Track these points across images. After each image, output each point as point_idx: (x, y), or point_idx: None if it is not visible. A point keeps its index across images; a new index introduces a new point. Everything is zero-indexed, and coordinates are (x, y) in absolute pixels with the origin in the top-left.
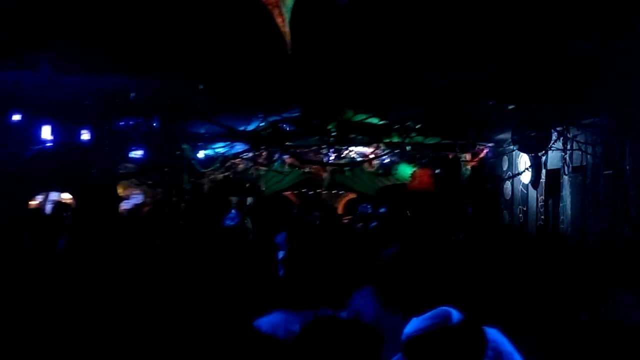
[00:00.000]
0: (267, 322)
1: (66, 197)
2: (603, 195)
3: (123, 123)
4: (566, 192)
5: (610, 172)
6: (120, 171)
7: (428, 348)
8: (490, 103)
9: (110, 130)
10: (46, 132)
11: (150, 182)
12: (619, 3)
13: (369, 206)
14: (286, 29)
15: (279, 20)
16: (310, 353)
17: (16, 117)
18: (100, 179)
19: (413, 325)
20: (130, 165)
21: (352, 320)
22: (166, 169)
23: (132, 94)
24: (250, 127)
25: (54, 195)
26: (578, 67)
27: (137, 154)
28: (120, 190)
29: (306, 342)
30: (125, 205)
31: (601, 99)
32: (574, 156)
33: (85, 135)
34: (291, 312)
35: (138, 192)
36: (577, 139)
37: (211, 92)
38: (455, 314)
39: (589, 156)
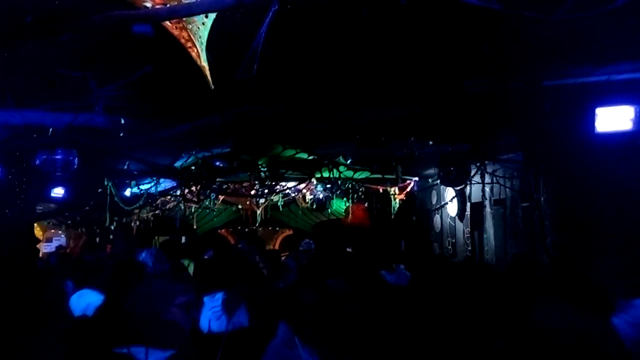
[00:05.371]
0: None
1: None
2: (522, 226)
3: (40, 160)
4: (489, 224)
5: (527, 204)
6: (38, 211)
7: None
8: (411, 139)
9: (25, 167)
10: None
11: (69, 222)
12: (513, 51)
13: (311, 242)
14: (203, 63)
15: (194, 54)
16: None
17: None
18: (14, 219)
19: None
20: (51, 205)
21: None
22: (87, 208)
23: (50, 129)
24: (178, 163)
25: None
26: (483, 105)
27: (57, 193)
28: (39, 232)
29: None
30: (46, 249)
31: (512, 136)
32: (495, 189)
33: None
34: None
35: (60, 233)
36: (497, 173)
37: (134, 127)
38: None
39: (507, 189)
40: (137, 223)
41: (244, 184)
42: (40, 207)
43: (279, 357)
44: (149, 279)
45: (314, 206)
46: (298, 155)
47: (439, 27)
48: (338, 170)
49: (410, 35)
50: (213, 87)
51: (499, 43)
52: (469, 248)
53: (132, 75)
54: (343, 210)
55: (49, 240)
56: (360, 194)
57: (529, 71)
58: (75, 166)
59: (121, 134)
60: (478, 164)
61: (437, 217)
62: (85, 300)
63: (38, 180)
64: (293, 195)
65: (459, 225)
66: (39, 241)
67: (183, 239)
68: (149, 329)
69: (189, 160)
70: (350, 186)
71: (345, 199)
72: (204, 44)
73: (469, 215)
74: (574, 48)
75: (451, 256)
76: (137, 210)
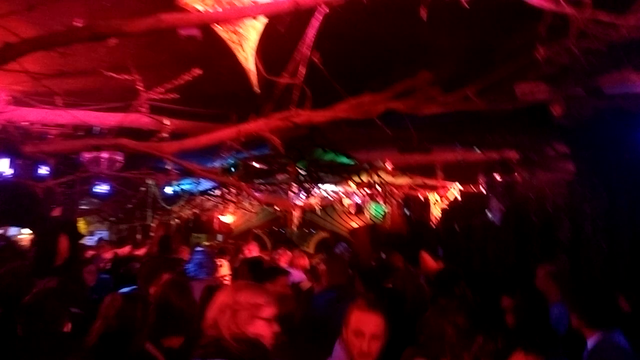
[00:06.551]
0: None
1: (25, 232)
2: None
3: (85, 157)
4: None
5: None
6: (82, 207)
7: None
8: (456, 145)
9: (72, 164)
10: (3, 165)
11: (113, 219)
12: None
13: (346, 245)
14: (250, 66)
15: (241, 57)
16: None
17: None
18: (60, 215)
19: None
20: (94, 200)
21: None
22: (130, 206)
23: (96, 128)
24: (217, 164)
25: (13, 231)
26: (535, 111)
27: (102, 189)
28: (82, 226)
29: None
30: (88, 242)
31: (564, 144)
32: None
33: (44, 170)
34: None
35: (102, 228)
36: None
37: (178, 129)
38: None
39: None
40: (177, 221)
41: (282, 186)
42: (85, 203)
43: None
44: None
45: (352, 210)
46: (337, 159)
47: (488, 26)
48: (377, 174)
49: (458, 33)
50: (259, 90)
51: (554, 45)
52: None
53: (179, 77)
54: (381, 215)
55: (92, 234)
56: (399, 199)
57: (588, 78)
58: (120, 165)
59: (165, 135)
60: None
61: (480, 225)
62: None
63: (83, 177)
64: (331, 198)
65: None
66: (83, 236)
67: (219, 238)
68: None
69: (228, 162)
70: (389, 191)
71: (384, 203)
72: (253, 47)
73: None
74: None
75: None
76: (177, 209)
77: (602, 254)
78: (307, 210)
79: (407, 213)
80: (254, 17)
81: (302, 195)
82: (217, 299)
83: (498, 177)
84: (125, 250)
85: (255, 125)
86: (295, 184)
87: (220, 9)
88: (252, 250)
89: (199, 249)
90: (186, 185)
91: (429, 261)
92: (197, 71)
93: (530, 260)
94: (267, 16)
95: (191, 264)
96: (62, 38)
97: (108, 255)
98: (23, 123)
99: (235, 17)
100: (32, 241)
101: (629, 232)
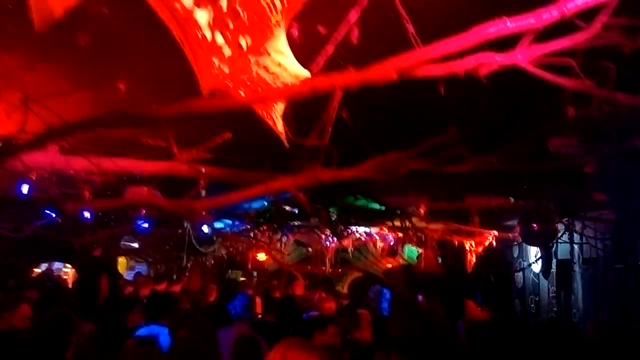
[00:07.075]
0: None
1: (68, 267)
2: (615, 290)
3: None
4: (577, 284)
5: (621, 266)
6: (123, 247)
7: None
8: (490, 194)
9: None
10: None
11: (150, 260)
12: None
13: (382, 289)
14: (279, 130)
15: (270, 123)
16: None
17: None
18: (102, 252)
19: None
20: (133, 244)
21: None
22: (167, 247)
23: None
24: (254, 206)
25: (57, 265)
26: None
27: (143, 225)
28: (123, 263)
29: None
30: (128, 276)
31: (601, 192)
32: (584, 247)
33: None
34: None
35: (141, 264)
36: (586, 231)
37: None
38: None
39: (598, 249)
40: (212, 262)
41: (315, 229)
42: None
43: None
44: None
45: (385, 252)
46: (369, 205)
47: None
48: (410, 221)
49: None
50: (287, 146)
51: (586, 107)
52: (555, 309)
53: (212, 140)
54: (415, 257)
55: (132, 269)
56: (434, 243)
57: (622, 136)
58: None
59: (201, 190)
60: (566, 222)
61: (519, 272)
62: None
63: (125, 217)
64: (364, 239)
65: (544, 283)
66: (121, 276)
67: (255, 274)
68: None
69: (262, 205)
70: (423, 235)
71: (417, 247)
72: (280, 113)
73: (554, 273)
74: None
75: (534, 315)
76: (211, 250)
77: None
78: (340, 251)
79: (441, 257)
80: (276, 102)
81: (334, 238)
82: (268, 357)
83: (535, 226)
84: (162, 286)
85: (282, 183)
86: (327, 227)
87: (243, 94)
88: (298, 289)
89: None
90: (220, 224)
91: (473, 309)
92: (228, 135)
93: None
94: (288, 100)
95: (234, 304)
96: (100, 122)
97: (146, 292)
98: (69, 171)
99: (258, 101)
100: (75, 280)
101: None
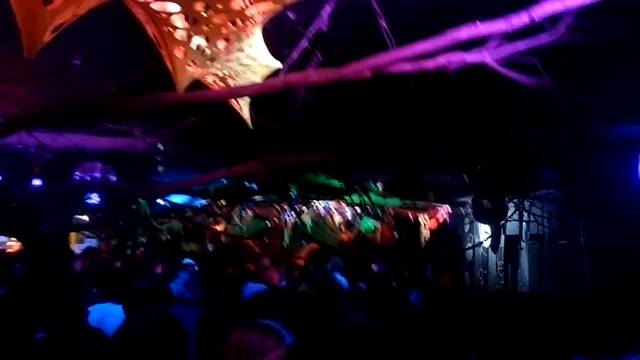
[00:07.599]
0: None
1: (13, 242)
2: (559, 264)
3: (79, 175)
4: (524, 258)
5: (565, 242)
6: (73, 222)
7: None
8: (445, 173)
9: (64, 182)
10: None
11: (103, 236)
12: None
13: (339, 261)
14: (244, 114)
15: (236, 107)
16: None
17: None
18: (51, 228)
19: None
20: (84, 217)
21: None
22: (121, 223)
23: (90, 150)
24: (212, 185)
25: (1, 239)
26: (524, 149)
27: (94, 200)
28: (72, 240)
29: None
30: (77, 250)
31: (550, 172)
32: (531, 224)
33: (36, 182)
34: None
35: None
36: (533, 209)
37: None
38: None
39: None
40: (167, 237)
41: (274, 204)
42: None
43: None
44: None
45: (342, 226)
46: (328, 182)
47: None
48: (368, 196)
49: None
50: (252, 127)
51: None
52: (502, 282)
53: (175, 125)
54: (372, 231)
55: (81, 242)
56: (390, 218)
57: (573, 122)
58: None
59: (160, 169)
60: (515, 201)
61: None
62: (102, 312)
63: (75, 194)
64: (322, 214)
65: (492, 257)
66: (72, 253)
67: (210, 247)
68: None
69: (221, 184)
70: (379, 210)
71: (374, 220)
72: (248, 100)
73: (503, 248)
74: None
75: (482, 287)
76: (167, 224)
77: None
78: (299, 224)
79: (397, 232)
80: (250, 96)
81: (293, 213)
82: (227, 341)
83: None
84: (114, 262)
85: (249, 167)
86: (286, 203)
87: (217, 87)
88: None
89: (188, 261)
90: (177, 198)
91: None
92: (192, 119)
93: None
94: (261, 94)
95: (176, 282)
96: (64, 113)
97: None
98: (16, 146)
99: (233, 96)
100: (22, 254)
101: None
